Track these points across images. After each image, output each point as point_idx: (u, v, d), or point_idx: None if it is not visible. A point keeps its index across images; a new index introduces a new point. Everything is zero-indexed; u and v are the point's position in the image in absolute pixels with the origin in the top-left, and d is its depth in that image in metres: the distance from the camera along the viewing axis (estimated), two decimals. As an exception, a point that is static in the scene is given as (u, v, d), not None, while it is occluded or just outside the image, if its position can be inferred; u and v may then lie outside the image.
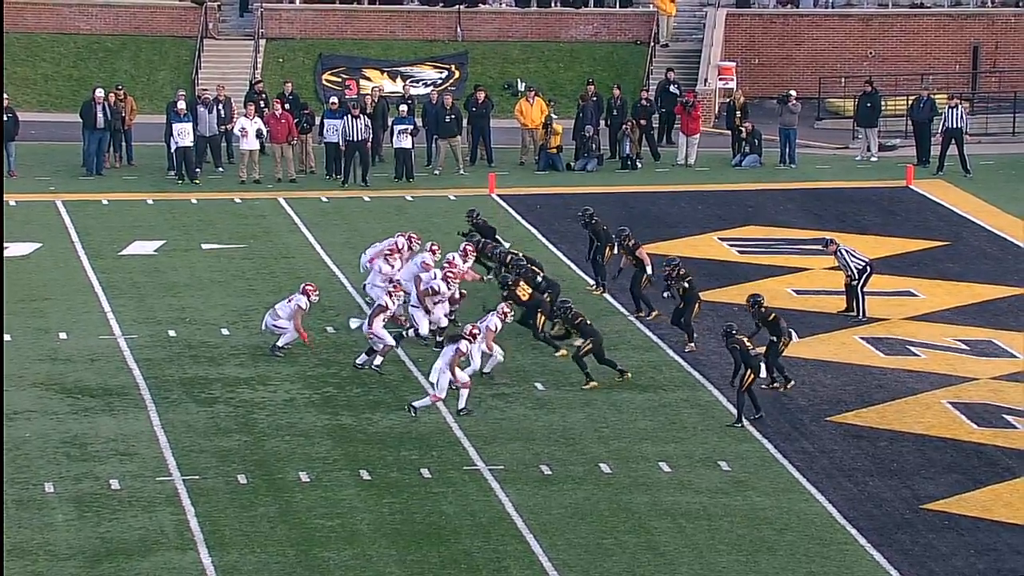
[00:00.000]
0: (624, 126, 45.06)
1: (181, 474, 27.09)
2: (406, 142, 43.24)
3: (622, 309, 34.49)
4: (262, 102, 44.03)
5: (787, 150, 45.16)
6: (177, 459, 27.55)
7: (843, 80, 49.97)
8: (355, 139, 42.64)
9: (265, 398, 29.90)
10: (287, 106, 43.61)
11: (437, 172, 44.08)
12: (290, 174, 43.10)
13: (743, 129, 45.20)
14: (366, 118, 43.05)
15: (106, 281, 35.42)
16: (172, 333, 32.77)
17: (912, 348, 32.53)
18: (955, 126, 43.95)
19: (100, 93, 43.26)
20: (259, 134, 42.81)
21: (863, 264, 33.71)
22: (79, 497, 26.16)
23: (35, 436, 28.16)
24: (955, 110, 44.05)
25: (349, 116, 42.73)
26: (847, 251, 33.83)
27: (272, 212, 40.70)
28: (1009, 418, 29.09)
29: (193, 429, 28.62)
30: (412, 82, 49.54)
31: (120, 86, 44.46)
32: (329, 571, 24.42)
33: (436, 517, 25.97)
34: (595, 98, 45.37)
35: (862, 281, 33.65)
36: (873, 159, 45.43)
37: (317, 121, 44.01)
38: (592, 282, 35.38)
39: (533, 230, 39.97)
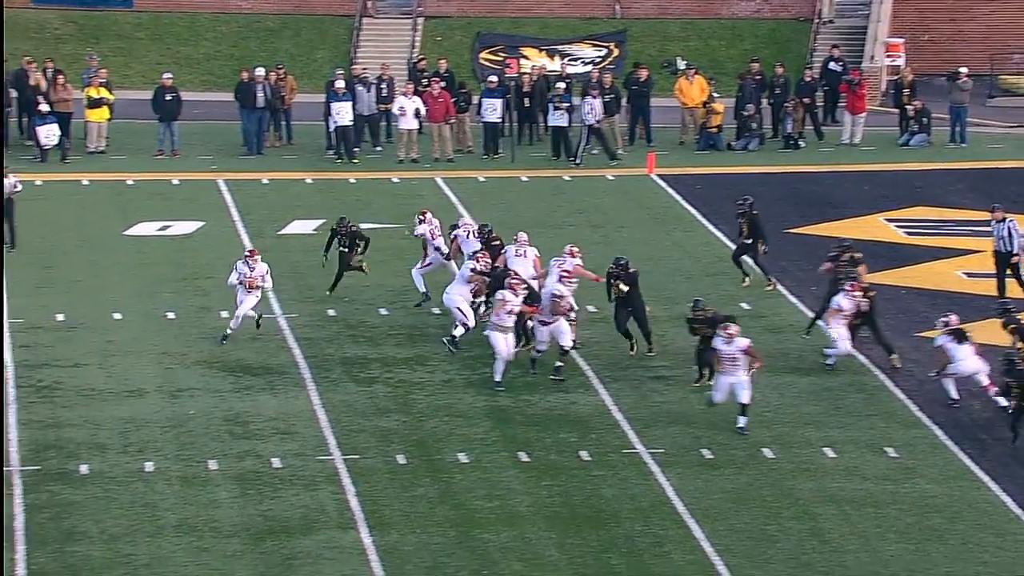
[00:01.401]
0: (787, 105, 44.90)
1: (341, 453, 27.43)
2: (562, 121, 43.35)
3: (786, 292, 34.41)
4: (424, 81, 44.30)
5: (957, 129, 44.82)
6: (337, 438, 27.90)
7: (1016, 56, 49.41)
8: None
9: (424, 378, 30.18)
10: (444, 85, 43.87)
11: (595, 152, 44.13)
12: (447, 154, 43.40)
13: (911, 108, 44.87)
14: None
15: (266, 260, 35.77)
16: (332, 312, 33.14)
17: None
18: None
19: (260, 72, 43.78)
20: (417, 113, 43.11)
21: None
22: (242, 475, 26.60)
23: (199, 413, 28.65)
24: None
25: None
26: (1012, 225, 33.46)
27: (429, 192, 41.01)
28: None
29: (353, 408, 28.96)
30: (570, 61, 49.60)
31: (281, 65, 44.95)
32: (488, 552, 24.62)
33: (595, 500, 26.11)
34: (758, 76, 45.22)
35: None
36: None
37: (474, 100, 44.24)
38: (747, 275, 35.00)
39: (692, 211, 39.97)
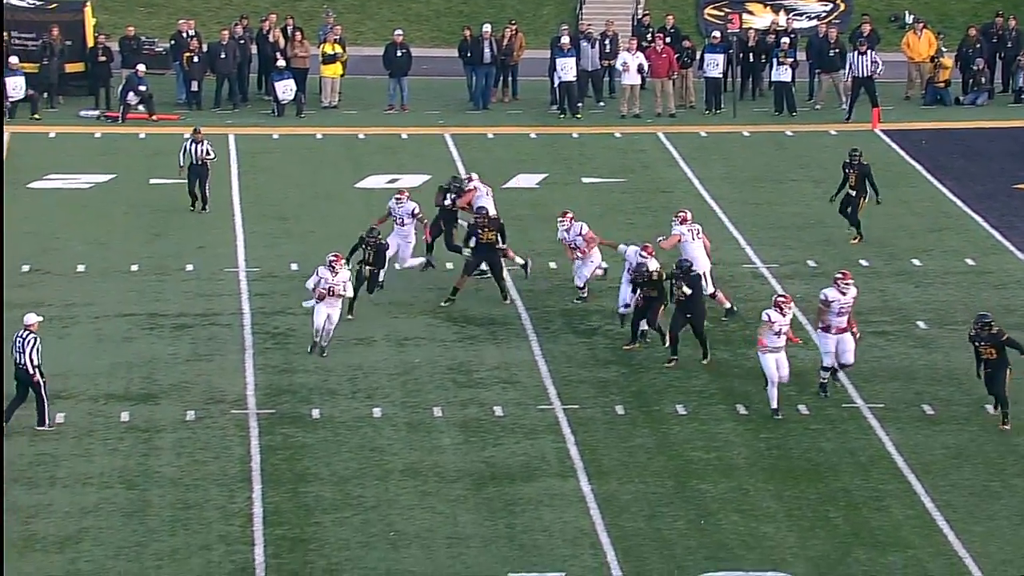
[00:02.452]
0: (1020, 58, 44.21)
1: (561, 403, 27.69)
2: (786, 75, 43.13)
3: (1013, 248, 33.99)
4: (648, 37, 44.30)
5: None
6: (557, 388, 28.15)
7: None
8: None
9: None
10: (668, 41, 43.84)
11: (819, 107, 43.86)
12: (669, 109, 43.40)
13: None
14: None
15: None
16: (553, 265, 33.36)
17: None
18: None
19: (487, 28, 44.07)
20: (640, 69, 43.14)
21: None
22: (465, 422, 26.97)
23: (424, 362, 29.05)
24: None
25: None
26: None
27: (651, 146, 41.07)
28: None
29: (572, 360, 29.19)
30: (796, 15, 49.25)
31: (513, 22, 45.15)
32: (706, 503, 24.74)
33: (814, 454, 26.10)
34: (998, 31, 44.47)
35: None
36: None
37: (698, 56, 44.16)
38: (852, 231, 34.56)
39: (917, 166, 39.61)
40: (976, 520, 24.22)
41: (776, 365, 27.24)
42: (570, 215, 31.53)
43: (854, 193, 34.04)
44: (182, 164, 35.25)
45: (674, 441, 26.49)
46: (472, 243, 31.39)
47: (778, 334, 27.11)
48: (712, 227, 35.18)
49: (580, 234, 31.15)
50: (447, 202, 32.88)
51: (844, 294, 27.54)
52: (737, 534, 24.01)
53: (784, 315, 27.15)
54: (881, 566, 23.27)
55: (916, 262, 33.83)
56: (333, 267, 29.00)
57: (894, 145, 41.07)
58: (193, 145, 35.21)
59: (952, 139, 41.12)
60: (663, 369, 28.72)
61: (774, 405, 27.20)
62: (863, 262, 33.79)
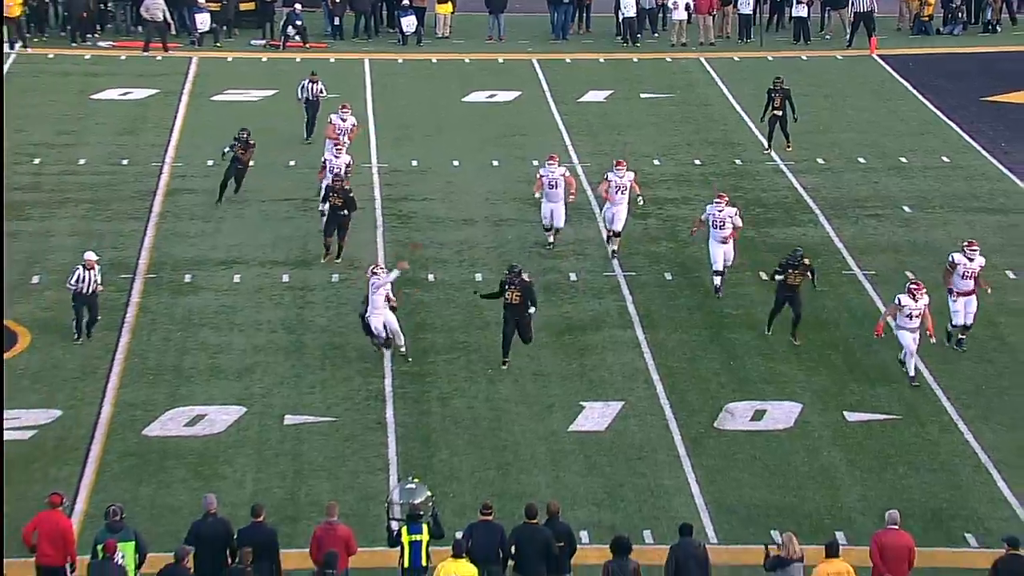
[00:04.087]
0: (987, -2, 43.49)
1: (622, 271, 27.59)
2: (803, 12, 42.52)
3: (982, 150, 33.47)
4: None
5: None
6: (619, 259, 28.01)
7: None
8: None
9: (686, 214, 30.07)
10: (711, -17, 43.24)
11: (828, 37, 43.22)
12: (710, 39, 42.86)
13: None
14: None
15: (568, 122, 36.01)
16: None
17: None
18: None
19: (565, -26, 43.59)
20: (687, 7, 42.60)
21: None
22: (548, 285, 26.92)
23: (515, 239, 28.98)
24: None
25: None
26: None
27: (696, 69, 40.62)
28: None
29: (631, 236, 28.96)
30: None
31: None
32: (734, 348, 24.71)
33: (819, 310, 25.92)
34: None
35: None
36: None
37: (735, -4, 43.53)
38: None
39: (906, 84, 39.03)
40: (943, 361, 24.06)
41: (913, 341, 23.32)
42: (726, 198, 26.62)
43: (780, 113, 33.18)
44: (300, 98, 34.43)
45: (710, 301, 26.41)
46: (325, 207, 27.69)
47: (910, 316, 23.24)
48: (742, 134, 34.95)
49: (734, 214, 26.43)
50: (227, 151, 29.77)
51: (971, 260, 24.25)
52: (758, 372, 24.00)
53: (916, 300, 23.24)
54: (871, 396, 23.21)
55: (903, 159, 33.46)
56: (376, 272, 24.23)
57: (887, 67, 40.45)
58: (310, 84, 34.42)
59: (933, 62, 40.46)
60: (703, 244, 28.54)
61: (911, 373, 23.54)
62: (860, 159, 33.45)
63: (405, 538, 17.60)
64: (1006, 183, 31.54)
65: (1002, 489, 20.57)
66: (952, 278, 24.37)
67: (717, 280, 26.37)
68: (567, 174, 28.22)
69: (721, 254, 26.27)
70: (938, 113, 36.48)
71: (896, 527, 17.62)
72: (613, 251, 27.88)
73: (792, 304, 24.66)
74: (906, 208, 30.53)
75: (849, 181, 32.12)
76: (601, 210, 28.91)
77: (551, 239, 28.24)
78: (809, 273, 24.65)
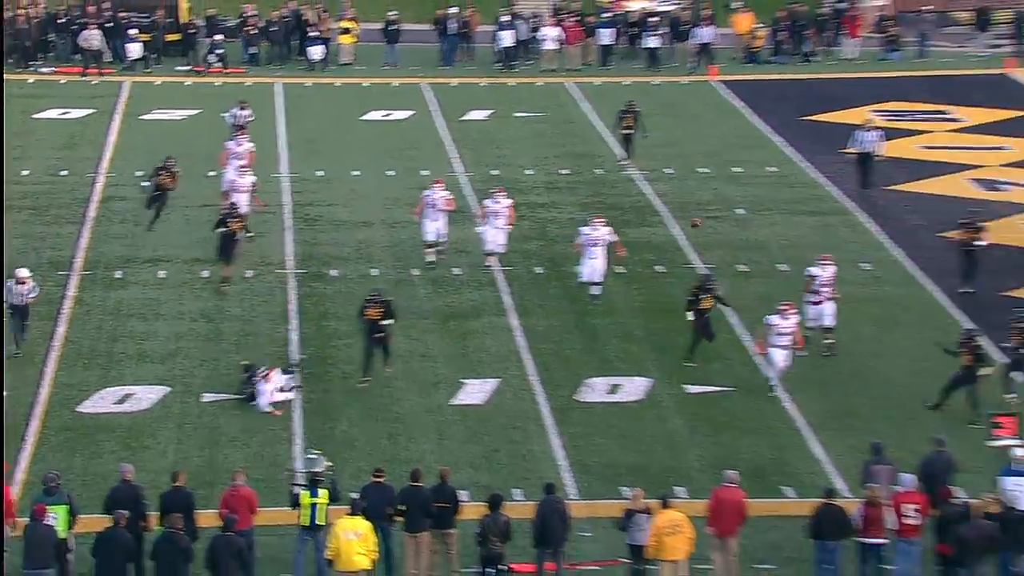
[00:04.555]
0: (806, 33, 43.79)
1: (501, 265, 27.37)
2: (655, 43, 42.64)
3: (800, 162, 33.76)
4: (562, 15, 43.57)
5: (922, 47, 43.42)
6: (499, 257, 27.79)
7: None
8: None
9: (556, 216, 29.96)
10: (576, 18, 43.18)
11: (675, 65, 43.24)
12: (576, 65, 42.81)
13: (892, 33, 43.62)
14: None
15: (454, 138, 35.86)
16: (498, 172, 33.03)
17: (1003, 185, 31.32)
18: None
19: (454, 10, 43.36)
20: (557, 38, 42.52)
21: None
22: (434, 278, 26.69)
23: (409, 238, 28.63)
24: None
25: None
26: None
27: (563, 92, 40.51)
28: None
29: (508, 236, 28.70)
30: (661, 1, 48.40)
31: (471, 5, 44.22)
32: (596, 332, 24.64)
33: (666, 298, 25.81)
34: (789, 13, 44.07)
35: None
36: (985, 55, 43.38)
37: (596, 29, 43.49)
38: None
39: (738, 105, 39.27)
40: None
41: (782, 358, 22.14)
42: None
43: (630, 131, 32.90)
44: (230, 124, 32.63)
45: (574, 291, 26.34)
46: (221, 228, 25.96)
47: (780, 336, 22.07)
48: (602, 148, 34.95)
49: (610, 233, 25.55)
50: (148, 183, 28.18)
51: (824, 271, 23.53)
52: (615, 352, 24.02)
53: (786, 320, 22.05)
54: (708, 371, 23.24)
55: (737, 169, 33.66)
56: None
57: (724, 90, 40.69)
58: (239, 111, 32.85)
59: (763, 86, 40.76)
60: (569, 243, 28.46)
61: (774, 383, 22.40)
62: (701, 169, 33.61)
63: (306, 500, 17.43)
64: (820, 190, 31.88)
65: (814, 449, 20.73)
66: (810, 288, 23.74)
67: (596, 290, 25.53)
68: (450, 196, 27.50)
69: (593, 268, 25.48)
70: (767, 130, 36.76)
71: (733, 485, 17.68)
72: (429, 264, 26.54)
73: (705, 328, 23.16)
74: (740, 211, 30.72)
75: (692, 187, 32.26)
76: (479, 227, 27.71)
77: (431, 258, 26.88)
78: (717, 298, 23.25)
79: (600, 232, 25.41)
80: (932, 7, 44.04)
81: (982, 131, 35.57)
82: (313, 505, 17.36)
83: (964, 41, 45.13)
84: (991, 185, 31.53)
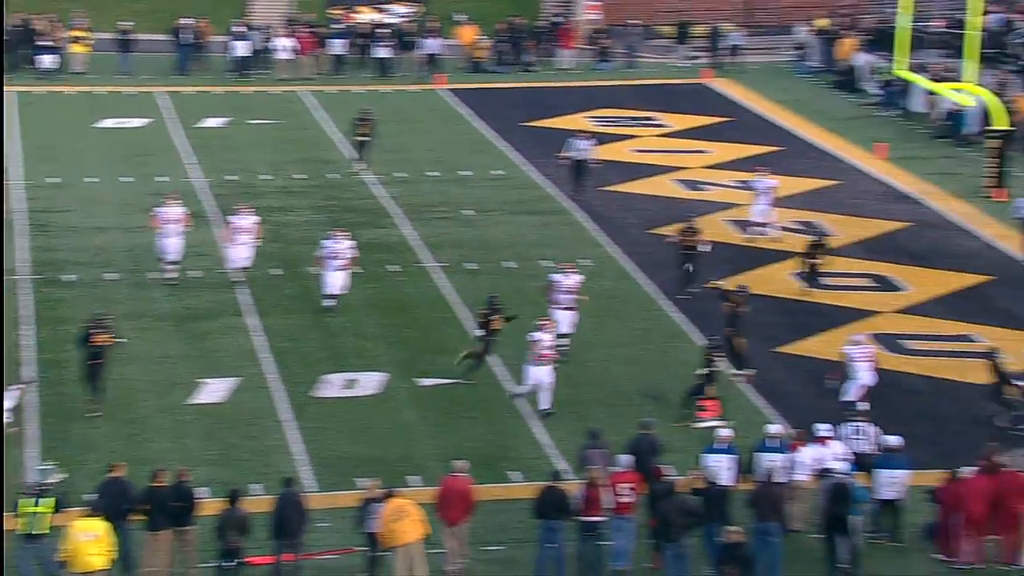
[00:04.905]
0: (526, 44, 44.43)
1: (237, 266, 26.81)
2: (384, 53, 42.51)
3: (523, 164, 34.21)
4: (295, 26, 42.98)
5: (630, 58, 44.58)
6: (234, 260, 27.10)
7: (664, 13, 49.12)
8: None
9: (290, 219, 29.44)
10: (309, 30, 42.68)
11: (403, 75, 43.19)
12: (309, 75, 42.30)
13: (603, 45, 44.61)
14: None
15: (191, 144, 34.94)
16: (236, 177, 32.32)
17: (705, 186, 32.42)
18: (736, 43, 43.67)
19: (188, 21, 42.27)
20: (290, 48, 41.93)
21: None
22: (139, 284, 25.89)
23: (143, 243, 27.72)
24: (734, 33, 43.75)
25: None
26: None
27: (296, 100, 40.01)
28: (761, 231, 28.96)
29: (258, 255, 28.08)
30: (389, 13, 48.29)
31: (205, 16, 43.25)
32: (331, 330, 24.32)
33: (400, 296, 25.80)
34: (512, 26, 44.58)
35: None
36: (685, 66, 44.81)
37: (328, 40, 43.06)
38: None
39: (463, 111, 39.49)
40: (504, 332, 24.28)
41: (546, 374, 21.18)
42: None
43: (365, 138, 32.65)
44: None
45: (310, 291, 25.85)
46: None
47: (540, 352, 21.12)
48: (335, 153, 34.60)
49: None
50: None
51: (567, 278, 23.05)
52: (351, 348, 23.80)
53: (548, 335, 21.23)
54: (440, 365, 23.16)
55: (465, 172, 33.81)
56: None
57: (450, 98, 40.86)
58: None
59: (487, 94, 41.11)
60: (305, 245, 27.99)
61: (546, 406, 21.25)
62: (431, 172, 33.65)
63: (26, 508, 16.60)
64: (542, 191, 32.32)
65: (539, 435, 20.94)
66: (553, 295, 23.25)
67: (329, 302, 24.67)
68: (186, 211, 26.26)
69: (334, 281, 24.65)
70: (491, 135, 37.07)
71: (461, 474, 17.66)
72: (170, 280, 25.37)
73: (489, 347, 22.20)
74: (468, 212, 30.86)
75: (423, 190, 32.26)
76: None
77: (171, 274, 25.64)
78: (507, 319, 22.30)
79: (343, 245, 24.95)
80: (638, 21, 45.23)
81: (686, 136, 36.72)
82: (36, 514, 16.53)
83: (667, 53, 46.53)
84: (694, 185, 32.58)
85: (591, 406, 21.55)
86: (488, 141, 36.53)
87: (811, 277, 25.43)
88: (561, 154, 31.39)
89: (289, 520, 17.01)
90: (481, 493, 18.07)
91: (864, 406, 20.28)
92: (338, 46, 42.77)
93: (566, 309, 23.20)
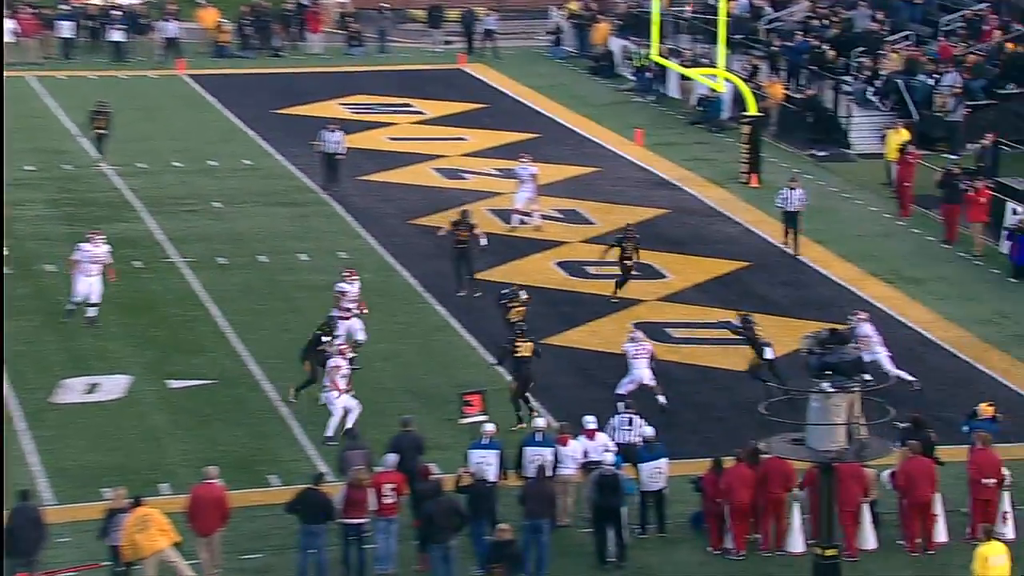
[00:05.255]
0: (274, 27, 43.74)
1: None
2: (121, 36, 41.22)
3: (258, 139, 33.65)
4: (19, 6, 41.23)
5: (382, 43, 44.47)
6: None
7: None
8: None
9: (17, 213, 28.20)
10: (34, 11, 41.04)
11: (142, 59, 41.99)
12: (37, 58, 40.65)
13: (354, 29, 44.40)
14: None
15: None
16: None
17: (464, 174, 32.60)
18: (490, 28, 44.08)
19: None
20: (13, 31, 40.18)
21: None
22: None
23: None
24: (488, 17, 44.16)
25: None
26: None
27: (23, 86, 38.43)
28: (526, 220, 29.17)
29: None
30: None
31: None
32: (70, 333, 23.37)
33: (146, 294, 25.17)
34: (255, 10, 43.81)
35: None
36: (439, 51, 44.96)
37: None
38: None
39: (209, 97, 38.71)
40: (248, 329, 23.83)
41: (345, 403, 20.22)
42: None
43: (102, 131, 31.60)
44: None
45: (44, 291, 24.90)
46: None
47: (342, 377, 20.23)
48: (70, 143, 33.32)
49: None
50: None
51: (351, 286, 22.47)
52: (92, 350, 23.01)
53: (345, 361, 20.39)
54: (191, 365, 22.69)
55: (212, 162, 33.06)
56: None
57: (194, 84, 39.92)
58: None
59: (233, 80, 40.34)
60: (38, 240, 26.82)
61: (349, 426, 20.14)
62: (176, 163, 32.83)
63: None
64: (296, 181, 31.87)
65: (298, 435, 20.63)
66: (340, 304, 22.34)
67: (92, 311, 23.50)
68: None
69: (90, 287, 23.57)
70: (239, 123, 36.34)
71: (212, 481, 17.20)
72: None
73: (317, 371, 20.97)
74: (216, 204, 30.19)
75: (167, 182, 31.42)
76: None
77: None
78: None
79: (101, 249, 23.88)
80: (389, 4, 45.11)
81: (442, 123, 36.81)
82: None
83: (420, 38, 46.57)
84: (453, 174, 32.69)
85: (352, 403, 21.25)
86: (236, 129, 35.82)
87: (624, 275, 24.57)
88: (315, 146, 30.90)
89: (24, 537, 16.25)
90: (237, 499, 17.66)
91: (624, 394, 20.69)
92: (66, 28, 41.24)
93: (351, 317, 22.41)
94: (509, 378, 21.02)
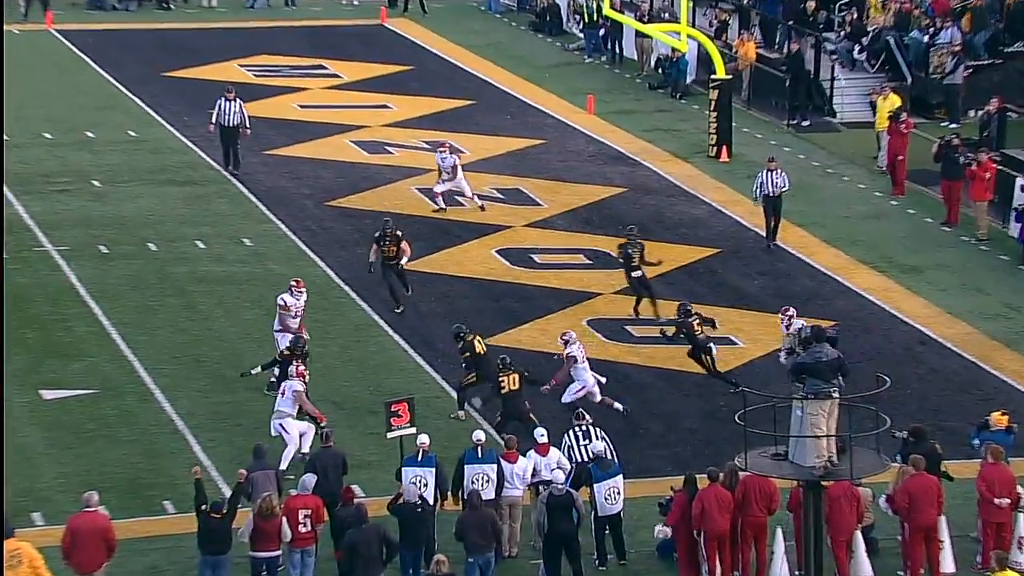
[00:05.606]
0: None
1: None
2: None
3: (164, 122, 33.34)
4: None
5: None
6: None
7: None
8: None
9: None
10: None
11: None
12: None
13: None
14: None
15: None
16: None
17: (388, 148, 32.51)
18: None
19: None
20: None
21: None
22: None
23: None
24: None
25: None
26: None
27: None
28: (460, 199, 29.23)
29: None
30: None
31: None
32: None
33: (11, 287, 24.74)
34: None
35: None
36: (356, 4, 44.80)
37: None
38: None
39: (84, 57, 38.38)
40: (143, 331, 23.72)
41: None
42: None
43: None
44: None
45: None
46: None
47: (294, 390, 20.12)
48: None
49: None
50: None
51: (298, 299, 22.10)
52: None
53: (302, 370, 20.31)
54: (68, 372, 22.48)
55: (90, 134, 32.79)
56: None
57: (66, 41, 39.50)
58: None
59: (112, 37, 39.97)
60: None
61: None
62: (46, 134, 32.60)
63: None
64: (191, 155, 31.60)
65: (198, 453, 20.45)
66: (284, 319, 21.97)
67: None
68: None
69: None
70: (121, 87, 36.00)
71: (93, 509, 16.94)
72: None
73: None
74: (96, 182, 29.91)
75: (35, 156, 31.13)
76: None
77: None
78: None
79: None
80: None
81: (362, 88, 36.67)
82: None
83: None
84: (377, 147, 32.53)
85: (257, 416, 21.08)
86: (117, 95, 35.51)
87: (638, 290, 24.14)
88: (211, 120, 30.36)
89: None
90: (124, 530, 17.49)
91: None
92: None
93: (294, 332, 21.82)
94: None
